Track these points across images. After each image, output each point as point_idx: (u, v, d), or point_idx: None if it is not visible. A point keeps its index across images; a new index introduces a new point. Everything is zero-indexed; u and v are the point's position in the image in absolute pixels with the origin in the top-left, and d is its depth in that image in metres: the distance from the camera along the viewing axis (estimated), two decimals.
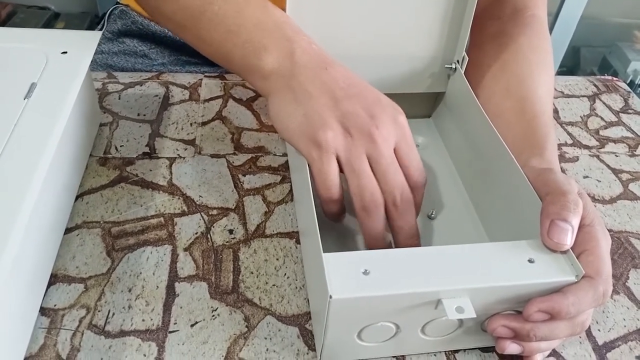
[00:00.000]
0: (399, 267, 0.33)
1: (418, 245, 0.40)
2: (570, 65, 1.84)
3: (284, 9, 0.43)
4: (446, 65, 0.51)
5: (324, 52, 0.41)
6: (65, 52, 0.45)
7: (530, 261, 0.34)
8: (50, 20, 1.73)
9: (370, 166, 0.37)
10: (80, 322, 0.38)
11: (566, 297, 0.33)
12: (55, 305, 0.39)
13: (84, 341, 0.37)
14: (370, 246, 0.39)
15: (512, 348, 0.36)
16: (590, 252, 0.35)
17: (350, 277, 0.32)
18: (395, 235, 0.39)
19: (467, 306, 0.32)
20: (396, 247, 0.40)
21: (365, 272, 0.33)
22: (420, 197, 0.40)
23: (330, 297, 0.31)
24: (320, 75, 0.38)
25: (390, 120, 0.38)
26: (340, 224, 0.43)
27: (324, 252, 0.34)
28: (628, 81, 1.58)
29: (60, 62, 0.44)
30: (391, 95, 0.52)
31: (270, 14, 0.41)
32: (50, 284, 0.40)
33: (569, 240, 0.35)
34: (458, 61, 0.50)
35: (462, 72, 0.50)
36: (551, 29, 1.42)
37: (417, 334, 0.36)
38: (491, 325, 0.35)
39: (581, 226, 0.36)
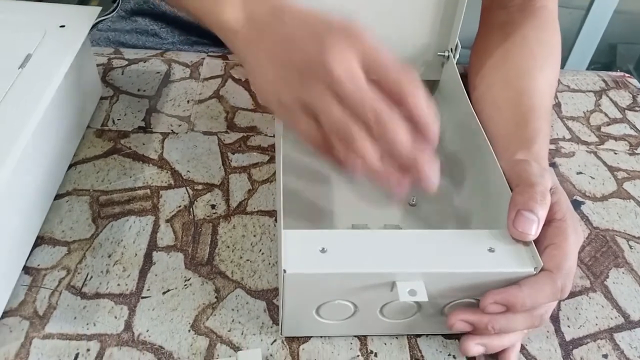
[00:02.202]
0: (357, 247, 0.34)
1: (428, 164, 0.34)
2: (605, 62, 1.78)
3: None
4: (439, 53, 0.50)
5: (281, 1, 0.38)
6: (63, 26, 0.47)
7: (490, 250, 0.34)
8: None
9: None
10: (59, 282, 0.40)
11: (522, 289, 0.33)
12: (38, 265, 0.41)
13: (61, 300, 0.39)
14: (372, 178, 0.35)
15: (476, 349, 0.36)
16: (556, 247, 0.35)
17: (307, 254, 0.33)
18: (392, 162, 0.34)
19: (420, 290, 0.33)
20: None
21: (323, 250, 0.34)
22: (416, 101, 0.34)
23: (285, 271, 0.32)
24: (276, 28, 0.37)
25: (342, 43, 0.34)
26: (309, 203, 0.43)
27: (289, 229, 0.35)
28: None
29: (57, 35, 0.46)
30: None
31: None
32: (36, 245, 0.42)
33: (533, 230, 0.34)
34: (451, 49, 0.50)
35: (455, 61, 0.50)
36: (582, 23, 1.37)
37: (376, 315, 0.37)
38: (450, 320, 0.35)
39: (552, 220, 0.36)
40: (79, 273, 0.41)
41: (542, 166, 0.40)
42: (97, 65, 0.59)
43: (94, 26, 0.76)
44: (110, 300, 0.39)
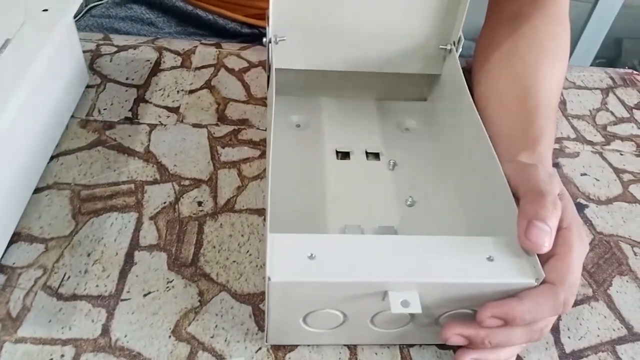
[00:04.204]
0: (348, 254, 0.32)
1: None
2: (610, 57, 1.74)
3: None
4: (440, 46, 0.48)
5: None
6: (46, 10, 0.44)
7: (489, 259, 0.32)
8: None
9: None
10: (35, 282, 0.38)
11: (522, 302, 0.31)
12: (13, 264, 0.39)
13: (36, 301, 0.37)
14: None
15: None
16: (560, 257, 0.33)
17: (294, 260, 0.31)
18: None
19: (414, 300, 0.31)
20: None
21: (311, 257, 0.31)
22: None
23: (269, 279, 0.30)
24: None
25: None
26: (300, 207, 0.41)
27: (275, 232, 0.32)
28: None
29: (39, 19, 0.43)
30: (385, 75, 0.50)
31: None
32: (12, 242, 0.40)
33: (547, 241, 0.32)
34: (454, 42, 0.48)
35: (457, 55, 0.47)
36: (589, 17, 1.34)
37: (366, 325, 0.35)
38: (444, 335, 0.33)
39: (557, 229, 0.34)
40: (56, 272, 0.39)
41: (547, 169, 0.38)
42: (85, 51, 0.56)
43: (87, 11, 0.73)
44: (88, 303, 0.37)
